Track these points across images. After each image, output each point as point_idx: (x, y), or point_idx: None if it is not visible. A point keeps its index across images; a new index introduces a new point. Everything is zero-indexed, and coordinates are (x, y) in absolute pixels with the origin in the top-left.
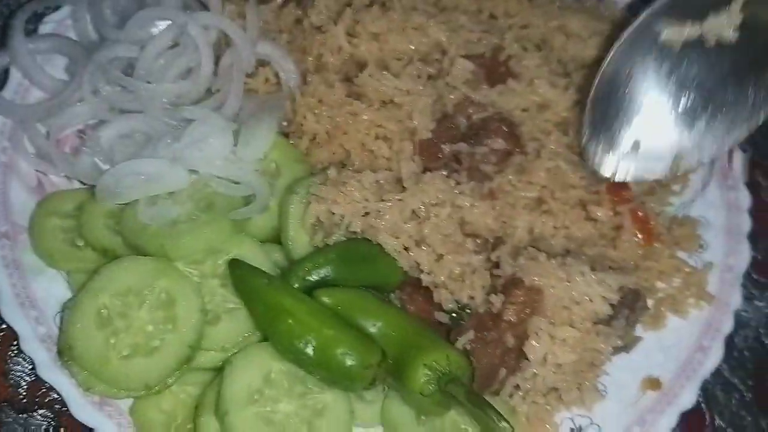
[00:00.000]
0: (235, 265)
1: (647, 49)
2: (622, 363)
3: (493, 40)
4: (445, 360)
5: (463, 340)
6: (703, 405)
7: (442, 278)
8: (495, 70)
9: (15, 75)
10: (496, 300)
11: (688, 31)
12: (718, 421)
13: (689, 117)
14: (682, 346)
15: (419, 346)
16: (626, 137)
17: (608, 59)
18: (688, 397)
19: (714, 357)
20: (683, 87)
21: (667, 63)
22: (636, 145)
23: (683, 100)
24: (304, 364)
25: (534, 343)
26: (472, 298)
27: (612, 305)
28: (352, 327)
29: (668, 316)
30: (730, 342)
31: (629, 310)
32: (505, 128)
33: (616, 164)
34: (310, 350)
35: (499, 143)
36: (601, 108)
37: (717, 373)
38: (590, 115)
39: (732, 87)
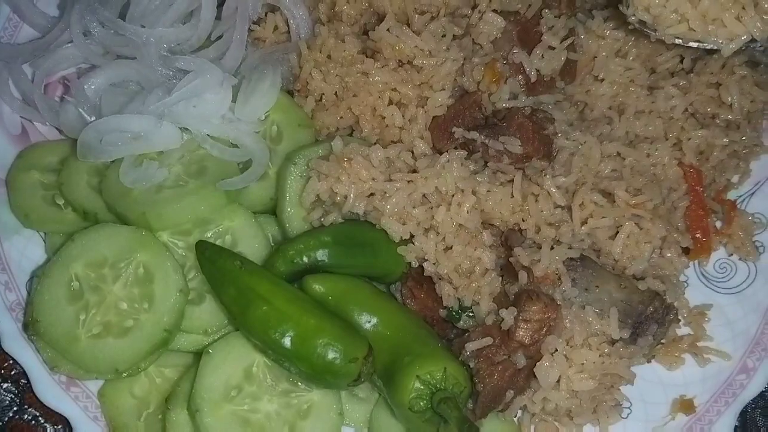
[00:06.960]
0: (202, 246)
1: None
2: (652, 375)
3: None
4: (441, 373)
5: (468, 351)
6: (738, 430)
7: (446, 270)
8: (530, 30)
9: (4, 9)
10: (508, 315)
11: None
12: None
13: None
14: (723, 364)
15: (415, 353)
16: None
17: None
18: (724, 426)
19: (759, 380)
20: None
21: None
22: None
23: None
24: (281, 357)
25: (547, 364)
26: (476, 303)
27: (638, 322)
28: (337, 317)
29: (709, 328)
30: None
31: (658, 324)
32: (530, 127)
33: None
34: (287, 341)
35: (515, 146)
36: None
37: (759, 395)
38: None
39: None
